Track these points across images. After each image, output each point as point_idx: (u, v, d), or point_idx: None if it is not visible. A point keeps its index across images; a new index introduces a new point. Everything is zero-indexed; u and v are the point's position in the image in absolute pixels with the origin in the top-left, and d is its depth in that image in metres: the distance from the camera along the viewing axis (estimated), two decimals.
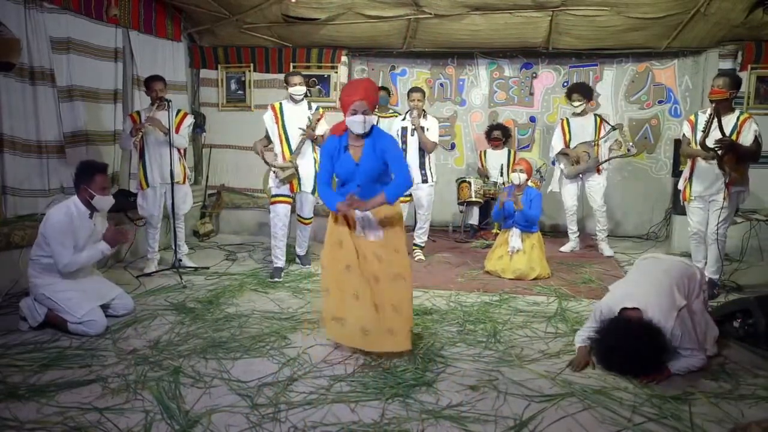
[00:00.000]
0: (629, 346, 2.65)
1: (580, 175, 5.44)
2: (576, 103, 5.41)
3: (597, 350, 2.85)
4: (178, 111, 4.73)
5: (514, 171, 4.81)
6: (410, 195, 5.18)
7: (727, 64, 5.78)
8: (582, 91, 5.45)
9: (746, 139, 3.97)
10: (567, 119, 5.57)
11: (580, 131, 5.43)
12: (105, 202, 3.52)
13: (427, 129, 5.05)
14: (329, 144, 3.11)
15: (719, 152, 3.90)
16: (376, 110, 4.77)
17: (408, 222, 5.44)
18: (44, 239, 3.37)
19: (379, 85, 6.61)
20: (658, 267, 3.12)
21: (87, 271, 3.61)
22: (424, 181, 5.15)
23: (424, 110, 5.12)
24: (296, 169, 4.52)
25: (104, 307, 3.53)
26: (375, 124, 3.15)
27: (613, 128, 5.42)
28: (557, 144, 5.54)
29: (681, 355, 2.80)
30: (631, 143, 5.40)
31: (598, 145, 5.36)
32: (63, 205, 3.47)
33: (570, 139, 5.46)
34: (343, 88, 3.17)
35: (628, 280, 3.22)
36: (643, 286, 2.93)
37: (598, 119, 5.47)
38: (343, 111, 3.00)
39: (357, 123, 2.95)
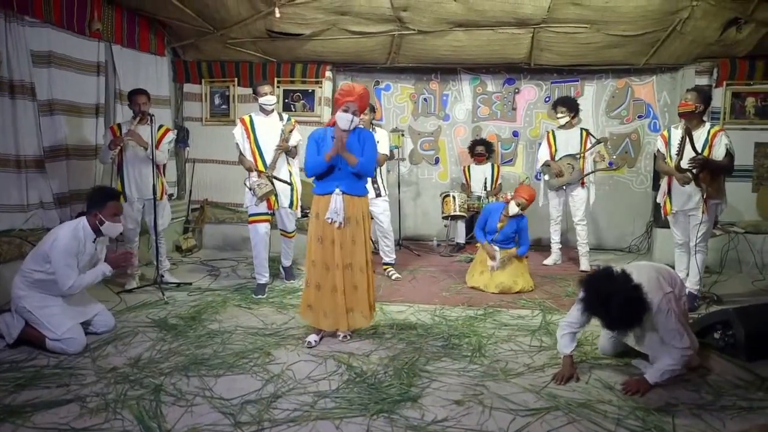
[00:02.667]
0: (613, 285, 2.68)
1: (563, 188, 5.49)
2: (560, 115, 5.46)
3: (583, 294, 2.79)
4: (160, 126, 4.70)
5: (512, 199, 4.72)
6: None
7: (703, 80, 5.90)
8: (567, 104, 5.50)
9: (718, 152, 4.04)
10: (553, 131, 5.61)
11: (565, 144, 5.48)
12: (114, 229, 3.51)
13: (378, 141, 5.00)
14: (318, 132, 3.50)
15: (694, 171, 3.99)
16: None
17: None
18: (45, 257, 3.30)
19: None
20: (643, 263, 3.20)
21: None
22: (378, 195, 5.07)
23: (372, 123, 5.06)
24: (274, 186, 4.41)
25: (84, 324, 3.47)
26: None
27: (599, 141, 5.48)
28: (543, 156, 5.58)
29: (666, 346, 2.80)
30: (613, 157, 5.44)
31: (583, 158, 5.40)
32: (71, 225, 3.42)
33: (556, 152, 5.51)
34: (341, 87, 3.45)
35: None
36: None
37: (584, 132, 5.51)
38: (336, 107, 3.41)
39: (345, 119, 3.36)
